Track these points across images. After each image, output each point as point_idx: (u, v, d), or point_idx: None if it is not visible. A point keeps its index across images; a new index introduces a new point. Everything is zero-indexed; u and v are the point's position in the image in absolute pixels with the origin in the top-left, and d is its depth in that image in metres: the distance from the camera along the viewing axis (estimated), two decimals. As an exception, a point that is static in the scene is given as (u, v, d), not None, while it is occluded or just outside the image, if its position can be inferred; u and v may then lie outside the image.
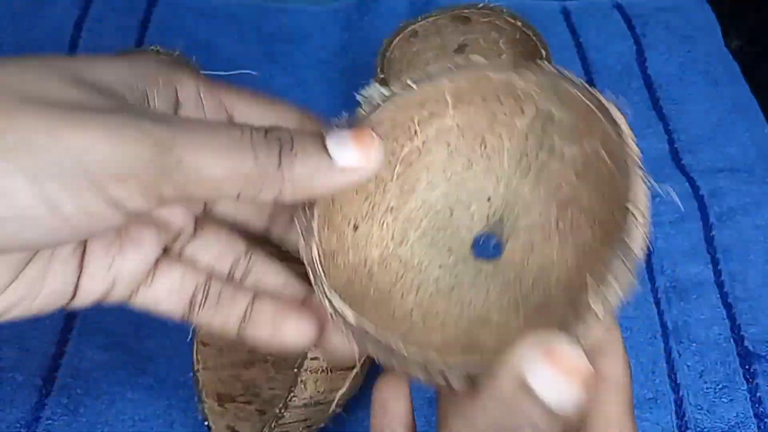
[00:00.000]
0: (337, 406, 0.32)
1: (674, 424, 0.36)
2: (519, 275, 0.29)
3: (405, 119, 0.26)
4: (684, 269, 0.41)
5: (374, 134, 0.21)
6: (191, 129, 0.19)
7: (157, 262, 0.24)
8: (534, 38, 0.44)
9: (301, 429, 0.31)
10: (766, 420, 0.36)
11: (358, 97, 0.24)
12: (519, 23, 0.45)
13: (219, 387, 0.35)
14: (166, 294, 0.24)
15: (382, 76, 0.42)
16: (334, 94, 0.51)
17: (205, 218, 0.25)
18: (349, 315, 0.22)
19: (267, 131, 0.20)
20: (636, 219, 0.21)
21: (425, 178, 0.30)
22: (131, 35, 0.52)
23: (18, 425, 0.35)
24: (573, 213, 0.29)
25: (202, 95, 0.22)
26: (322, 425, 0.33)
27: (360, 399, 0.35)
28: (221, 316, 0.24)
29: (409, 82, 0.25)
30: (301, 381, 0.29)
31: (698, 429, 0.36)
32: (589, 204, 0.28)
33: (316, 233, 0.23)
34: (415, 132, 0.27)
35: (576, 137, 0.27)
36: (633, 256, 0.21)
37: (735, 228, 0.43)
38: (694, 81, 0.50)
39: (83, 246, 0.22)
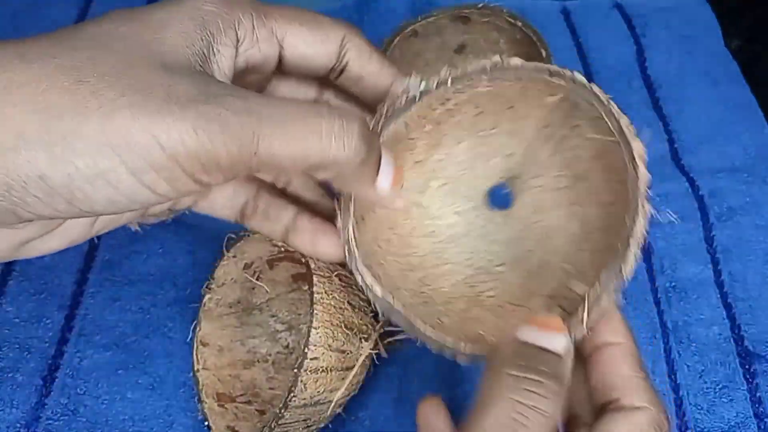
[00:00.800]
0: (337, 406, 0.32)
1: (674, 424, 0.36)
2: (524, 233, 0.31)
3: (442, 91, 0.28)
4: (684, 269, 0.41)
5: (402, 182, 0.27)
6: (271, 120, 0.21)
7: None
8: (534, 38, 0.44)
9: (301, 429, 0.31)
10: (766, 420, 0.36)
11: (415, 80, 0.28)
12: (519, 23, 0.45)
13: (219, 387, 0.36)
14: (221, 205, 0.29)
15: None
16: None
17: None
18: (378, 290, 0.27)
19: (360, 134, 0.22)
20: (630, 250, 0.24)
21: (452, 134, 0.31)
22: (131, 35, 0.52)
23: (18, 425, 0.35)
24: (583, 187, 0.30)
25: (256, 29, 0.24)
26: (322, 425, 0.33)
27: (360, 399, 0.35)
28: (269, 226, 0.29)
29: (448, 79, 0.27)
30: (301, 381, 0.29)
31: (698, 429, 0.36)
32: (597, 185, 0.29)
33: (352, 214, 0.27)
34: (448, 99, 0.29)
35: (597, 127, 0.28)
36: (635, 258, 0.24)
37: (735, 228, 0.43)
38: (694, 81, 0.50)
39: None
